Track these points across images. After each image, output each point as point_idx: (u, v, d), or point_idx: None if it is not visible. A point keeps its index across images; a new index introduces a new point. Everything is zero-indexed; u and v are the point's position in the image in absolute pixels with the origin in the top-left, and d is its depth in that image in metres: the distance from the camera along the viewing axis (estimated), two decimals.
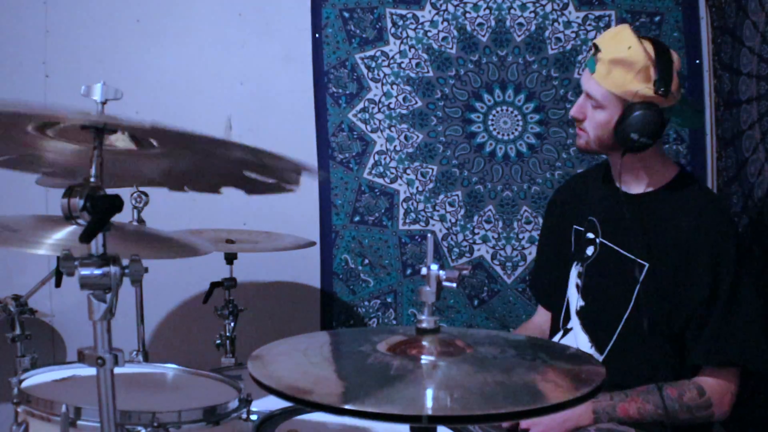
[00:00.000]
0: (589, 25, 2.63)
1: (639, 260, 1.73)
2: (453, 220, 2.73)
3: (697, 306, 1.67)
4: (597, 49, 1.71)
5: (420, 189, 2.73)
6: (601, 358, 1.76)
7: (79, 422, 1.35)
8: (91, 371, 1.08)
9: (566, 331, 1.88)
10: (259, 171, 1.32)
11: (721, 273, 1.66)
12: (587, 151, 1.84)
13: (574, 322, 1.84)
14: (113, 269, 1.07)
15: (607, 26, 2.63)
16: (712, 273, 1.67)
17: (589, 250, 1.86)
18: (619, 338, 1.75)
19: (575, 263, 1.89)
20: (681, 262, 1.69)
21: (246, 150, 1.04)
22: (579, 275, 1.87)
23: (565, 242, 1.95)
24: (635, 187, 1.80)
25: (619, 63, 1.67)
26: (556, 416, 1.65)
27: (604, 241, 1.83)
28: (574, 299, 1.86)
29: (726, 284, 1.66)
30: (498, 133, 2.70)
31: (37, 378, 1.59)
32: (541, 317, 2.08)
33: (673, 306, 1.70)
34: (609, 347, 1.76)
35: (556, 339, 1.90)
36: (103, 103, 1.14)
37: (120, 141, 1.27)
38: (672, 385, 1.67)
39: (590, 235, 1.86)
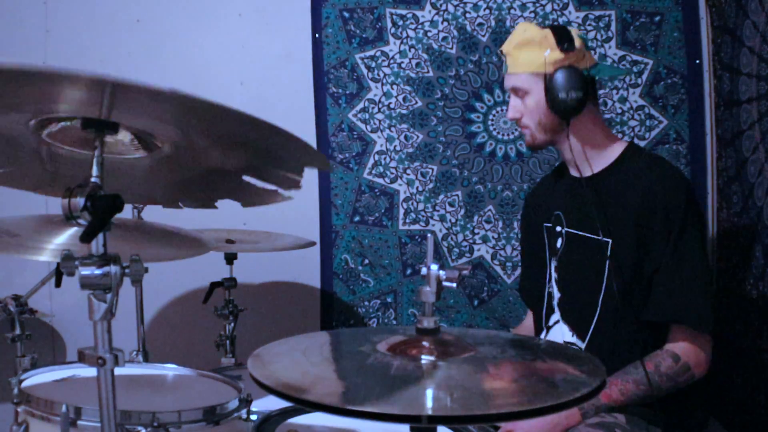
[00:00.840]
0: (589, 25, 2.63)
1: (602, 239, 1.77)
2: (453, 220, 2.73)
3: (653, 269, 1.72)
4: (503, 53, 1.86)
5: (420, 189, 2.73)
6: (583, 345, 1.79)
7: (79, 422, 1.35)
8: (91, 371, 1.08)
9: (549, 329, 1.91)
10: (259, 175, 1.32)
11: (672, 234, 1.70)
12: (536, 145, 1.89)
13: (557, 315, 1.87)
14: (113, 269, 1.07)
15: (607, 26, 2.63)
16: (665, 236, 1.70)
17: (559, 243, 1.91)
18: (598, 321, 1.78)
19: (551, 259, 1.94)
20: (639, 231, 1.73)
21: (260, 126, 1.03)
22: (555, 269, 1.92)
23: (539, 243, 1.99)
24: (587, 170, 1.85)
25: (521, 46, 1.80)
26: (545, 421, 1.66)
27: (569, 230, 1.88)
28: (555, 293, 1.91)
29: (675, 245, 1.70)
30: (498, 133, 2.70)
31: (37, 378, 1.59)
32: (531, 318, 2.10)
33: (638, 275, 1.73)
34: (590, 332, 1.79)
35: (541, 337, 1.93)
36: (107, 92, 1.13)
37: (119, 146, 1.27)
38: (647, 359, 1.69)
39: (558, 228, 1.91)
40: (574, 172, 1.90)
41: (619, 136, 2.62)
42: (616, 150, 1.85)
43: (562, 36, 1.77)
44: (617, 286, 1.72)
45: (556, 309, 1.89)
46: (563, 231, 1.89)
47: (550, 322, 1.91)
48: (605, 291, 1.77)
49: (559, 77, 1.75)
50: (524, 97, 1.83)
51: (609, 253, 1.76)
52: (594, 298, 1.78)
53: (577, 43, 1.78)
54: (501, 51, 1.86)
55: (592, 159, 1.85)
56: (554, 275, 1.92)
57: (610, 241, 1.76)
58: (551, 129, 1.83)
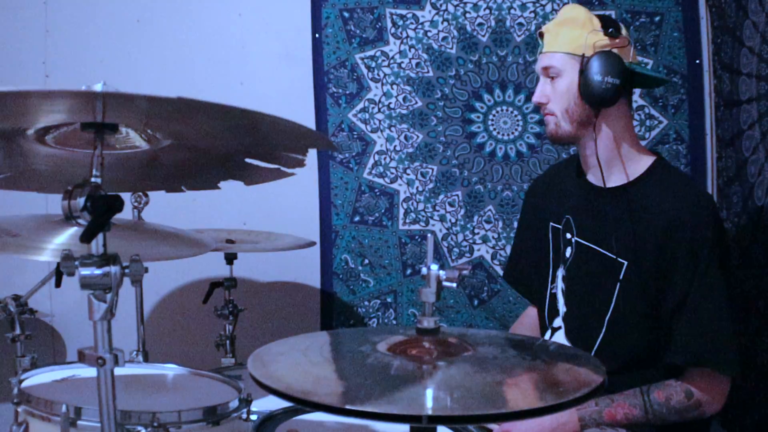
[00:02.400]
0: None
1: (617, 258, 1.68)
2: (453, 220, 2.73)
3: (675, 303, 1.62)
4: (541, 32, 1.75)
5: (420, 189, 2.73)
6: None
7: (79, 422, 1.35)
8: (91, 371, 1.08)
9: (554, 330, 1.86)
10: (261, 157, 1.31)
11: (698, 269, 1.60)
12: (558, 137, 1.74)
13: (560, 321, 1.83)
14: (113, 269, 1.07)
15: None
16: (689, 269, 1.60)
17: (568, 252, 1.82)
18: (602, 342, 1.71)
19: (560, 266, 1.85)
20: (659, 258, 1.63)
21: (269, 120, 1.03)
22: (563, 279, 1.83)
23: (541, 237, 1.91)
24: (608, 179, 1.72)
25: (563, 24, 1.70)
26: (542, 424, 1.64)
27: (579, 240, 1.78)
28: (560, 303, 1.84)
29: (700, 282, 1.60)
30: (498, 133, 2.70)
31: (37, 378, 1.59)
32: (528, 317, 2.06)
33: (653, 303, 1.65)
34: (593, 352, 1.72)
35: (545, 337, 1.89)
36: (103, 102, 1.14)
37: (120, 142, 1.27)
38: (659, 387, 1.62)
39: (567, 235, 1.82)
40: (592, 178, 1.77)
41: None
42: (643, 163, 1.72)
43: (608, 21, 1.67)
44: (628, 309, 1.65)
45: (560, 313, 1.83)
46: (573, 240, 1.79)
47: (555, 324, 1.87)
48: (612, 313, 1.69)
49: (598, 60, 1.63)
50: (555, 79, 1.70)
51: (622, 275, 1.67)
52: (600, 319, 1.71)
53: (624, 32, 1.68)
54: (540, 32, 1.74)
55: (616, 168, 1.72)
56: (561, 285, 1.84)
57: (626, 263, 1.67)
58: (578, 119, 1.70)
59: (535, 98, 1.75)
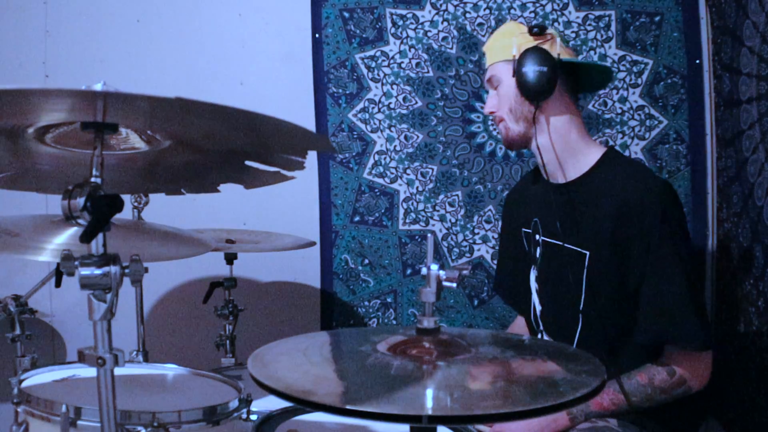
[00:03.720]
0: (589, 25, 2.63)
1: (579, 249, 1.72)
2: (453, 220, 2.73)
3: (636, 284, 1.65)
4: (484, 54, 1.89)
5: (420, 189, 2.73)
6: None
7: (79, 422, 1.35)
8: (91, 371, 1.08)
9: (542, 333, 1.88)
10: (261, 159, 1.31)
11: (650, 248, 1.63)
12: (511, 139, 1.83)
13: (541, 327, 1.85)
14: (113, 269, 1.07)
15: (607, 26, 2.63)
16: (643, 250, 1.63)
17: (537, 252, 1.86)
18: (581, 334, 1.74)
19: (532, 268, 1.89)
20: (616, 243, 1.66)
21: (269, 121, 1.03)
22: (536, 279, 1.88)
23: (518, 244, 1.96)
24: (560, 176, 1.80)
25: (497, 38, 1.84)
26: (532, 424, 1.64)
27: (545, 238, 1.83)
28: (537, 305, 1.87)
29: (654, 260, 1.63)
30: (498, 133, 2.70)
31: (37, 378, 1.59)
32: (521, 319, 2.08)
33: (619, 288, 1.67)
34: (575, 343, 1.75)
35: None
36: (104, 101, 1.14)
37: (120, 143, 1.27)
38: (642, 370, 1.65)
39: (537, 237, 1.87)
40: (551, 178, 1.83)
41: (619, 137, 2.63)
42: (592, 156, 1.77)
43: (534, 26, 1.78)
44: (596, 298, 1.68)
45: (540, 320, 1.86)
46: (540, 239, 1.85)
47: (542, 327, 1.88)
48: (584, 304, 1.72)
49: (525, 56, 1.73)
50: (498, 88, 1.82)
51: (586, 265, 1.71)
52: (575, 311, 1.74)
53: (550, 30, 1.78)
54: (483, 53, 1.89)
55: (567, 164, 1.78)
56: (535, 285, 1.88)
57: (588, 253, 1.71)
58: (523, 116, 1.78)
59: (486, 109, 1.87)
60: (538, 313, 1.85)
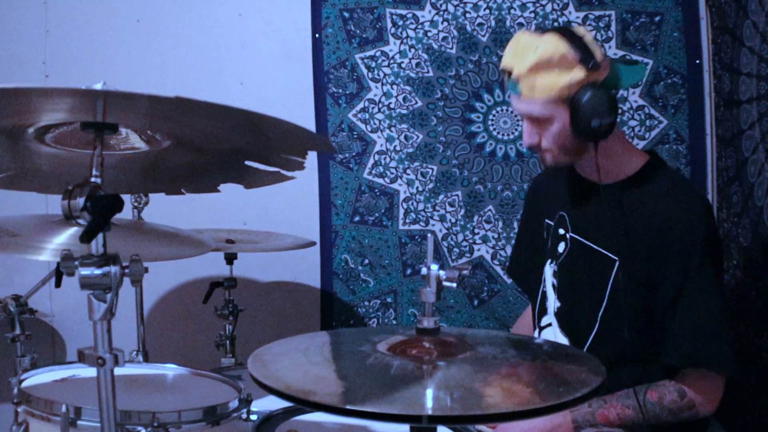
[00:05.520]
0: (589, 25, 2.63)
1: (610, 255, 1.68)
2: (453, 220, 2.73)
3: (667, 302, 1.61)
4: (509, 72, 1.63)
5: (420, 189, 2.73)
6: None
7: (79, 422, 1.35)
8: (91, 371, 1.08)
9: (541, 329, 1.86)
10: (261, 159, 1.31)
11: (690, 269, 1.59)
12: (559, 165, 1.72)
13: (554, 323, 1.83)
14: (113, 269, 1.07)
15: (607, 26, 2.63)
16: (681, 269, 1.59)
17: (561, 247, 1.81)
18: (596, 336, 1.71)
19: (549, 261, 1.85)
20: (651, 257, 1.62)
21: (268, 121, 1.03)
22: (554, 274, 1.83)
23: (538, 234, 1.91)
24: (604, 177, 1.69)
25: (536, 68, 1.58)
26: (536, 427, 1.63)
27: (574, 236, 1.77)
28: (552, 299, 1.84)
29: (692, 281, 1.59)
30: (498, 133, 2.70)
31: (37, 378, 1.59)
32: (529, 316, 2.07)
33: (645, 301, 1.64)
34: (587, 346, 1.72)
35: (535, 336, 1.88)
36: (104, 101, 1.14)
37: (120, 144, 1.27)
38: (652, 387, 1.61)
39: (561, 231, 1.81)
40: (586, 175, 1.76)
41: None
42: (635, 162, 1.71)
43: (582, 50, 1.57)
44: (621, 306, 1.64)
45: (552, 317, 1.83)
46: (568, 236, 1.79)
47: (542, 323, 1.86)
48: (605, 309, 1.69)
49: (589, 103, 1.56)
50: (544, 124, 1.64)
51: (615, 270, 1.67)
52: (594, 313, 1.71)
53: (598, 55, 1.58)
54: (503, 70, 1.65)
55: (611, 168, 1.70)
56: (552, 280, 1.84)
57: (618, 260, 1.66)
58: (576, 151, 1.68)
59: (526, 142, 1.70)
60: (554, 308, 1.83)
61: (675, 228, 1.60)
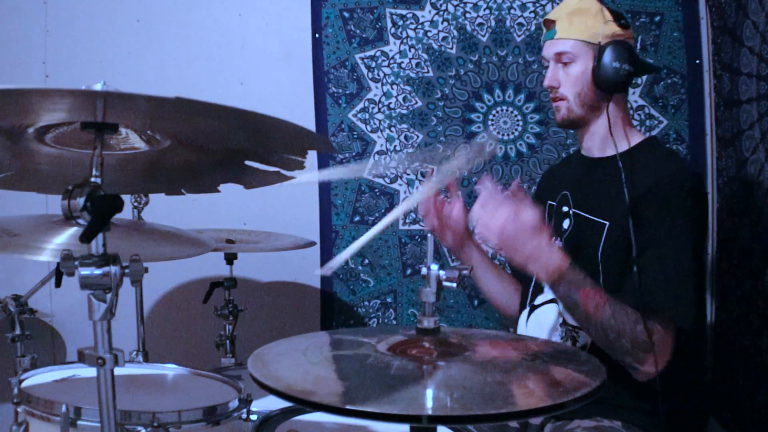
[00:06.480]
0: None
1: (600, 220, 1.73)
2: None
3: (637, 253, 1.60)
4: (550, 22, 1.81)
5: (420, 189, 2.73)
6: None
7: (79, 422, 1.35)
8: (91, 371, 1.08)
9: (534, 308, 1.84)
10: (261, 159, 1.31)
11: (663, 222, 1.62)
12: (570, 120, 1.82)
13: (547, 295, 1.81)
14: (113, 269, 1.07)
15: None
16: (655, 222, 1.62)
17: (566, 224, 1.85)
18: None
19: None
20: (634, 216, 1.64)
21: (268, 121, 1.03)
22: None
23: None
24: (607, 149, 1.81)
25: (575, 13, 1.76)
26: (527, 239, 1.56)
27: (576, 211, 1.82)
28: None
29: (664, 233, 1.61)
30: (498, 133, 2.70)
31: (37, 378, 1.59)
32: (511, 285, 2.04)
33: (627, 260, 1.64)
34: None
35: (522, 318, 1.87)
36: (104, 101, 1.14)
37: (120, 144, 1.27)
38: (633, 308, 1.56)
39: (565, 209, 1.86)
40: (586, 152, 1.88)
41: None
42: (634, 139, 1.82)
43: (618, 14, 1.77)
44: (611, 269, 1.67)
45: (547, 289, 1.82)
46: (571, 211, 1.84)
47: (537, 301, 1.85)
48: (602, 275, 1.69)
49: (614, 49, 1.72)
50: (568, 65, 1.78)
51: (604, 234, 1.71)
52: (595, 281, 1.69)
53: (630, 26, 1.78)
54: (546, 20, 1.82)
55: (608, 145, 1.80)
56: None
57: (608, 223, 1.72)
58: (590, 103, 1.79)
59: (547, 82, 1.82)
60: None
61: (660, 187, 1.66)
